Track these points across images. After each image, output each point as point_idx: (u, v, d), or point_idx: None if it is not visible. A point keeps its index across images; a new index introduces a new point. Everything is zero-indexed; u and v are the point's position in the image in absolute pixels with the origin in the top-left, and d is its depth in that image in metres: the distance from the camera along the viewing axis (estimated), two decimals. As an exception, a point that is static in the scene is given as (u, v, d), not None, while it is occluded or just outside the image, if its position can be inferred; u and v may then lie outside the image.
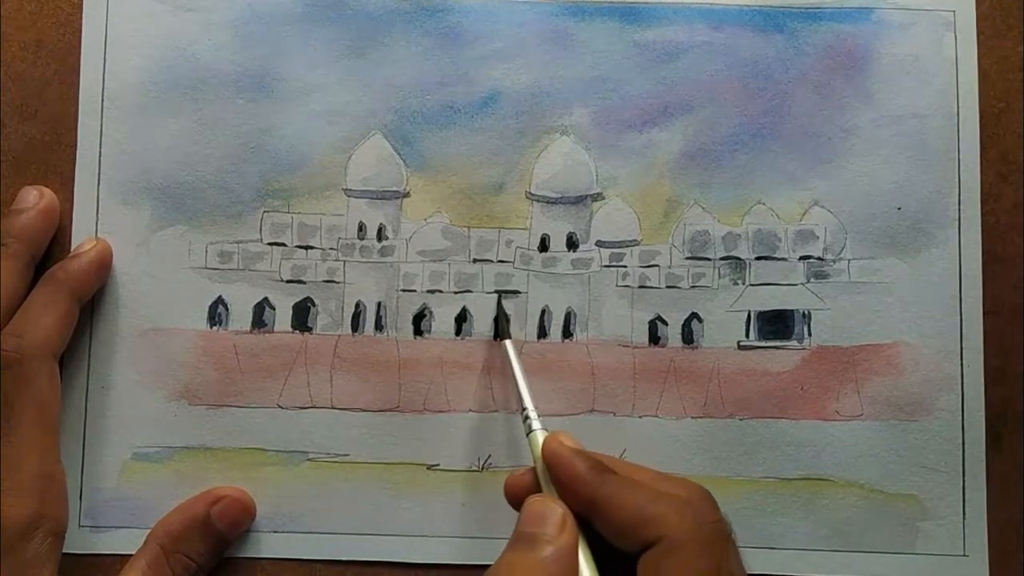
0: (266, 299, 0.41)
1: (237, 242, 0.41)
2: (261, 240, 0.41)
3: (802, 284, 0.41)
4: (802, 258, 0.41)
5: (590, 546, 0.33)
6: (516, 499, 0.35)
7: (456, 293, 0.41)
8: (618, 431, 0.40)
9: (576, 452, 0.34)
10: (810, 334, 0.41)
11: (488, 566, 0.39)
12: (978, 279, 0.40)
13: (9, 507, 0.35)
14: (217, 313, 0.40)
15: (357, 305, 0.41)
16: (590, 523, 0.33)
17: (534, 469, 0.35)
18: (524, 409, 0.36)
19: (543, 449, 0.35)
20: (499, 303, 0.41)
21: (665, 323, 0.41)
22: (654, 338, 0.41)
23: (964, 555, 0.40)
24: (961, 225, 0.41)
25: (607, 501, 0.33)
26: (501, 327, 0.40)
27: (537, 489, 0.35)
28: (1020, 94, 0.41)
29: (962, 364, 0.40)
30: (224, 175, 0.41)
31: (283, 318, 0.41)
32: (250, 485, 0.40)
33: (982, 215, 0.41)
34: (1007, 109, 0.41)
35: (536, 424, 0.36)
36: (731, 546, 0.32)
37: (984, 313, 0.40)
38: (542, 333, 0.41)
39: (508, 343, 0.39)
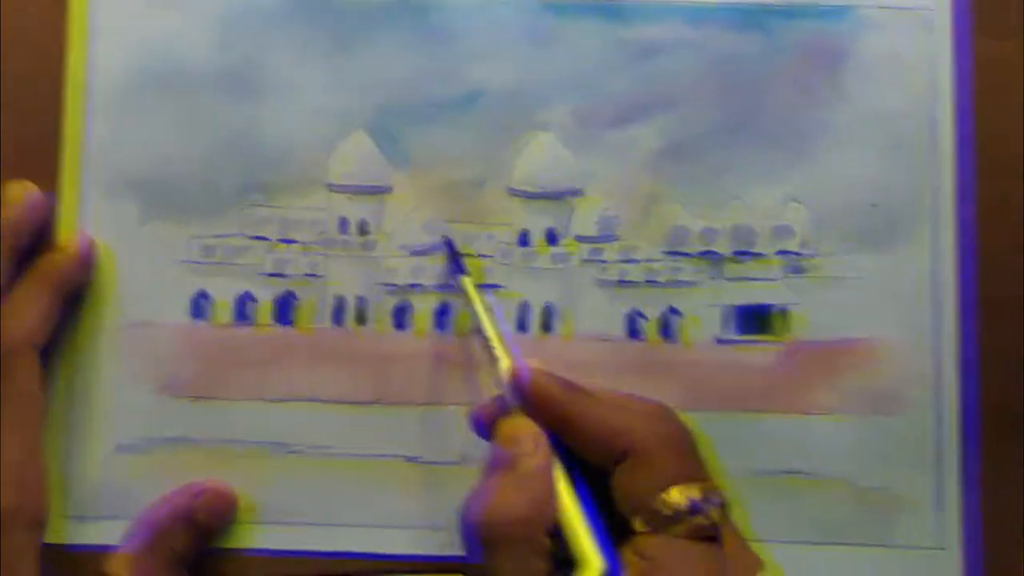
0: (248, 293, 0.41)
1: (219, 236, 0.41)
2: (243, 234, 0.41)
3: (779, 280, 0.41)
4: (779, 253, 0.41)
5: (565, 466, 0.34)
6: (484, 428, 0.36)
7: (438, 288, 0.41)
8: (597, 425, 0.40)
9: (544, 372, 0.35)
10: (787, 329, 0.41)
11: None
12: (952, 276, 0.41)
13: (-10, 499, 0.36)
14: (200, 306, 0.41)
15: (339, 299, 0.41)
16: (563, 441, 0.34)
17: (500, 397, 0.36)
18: (487, 340, 0.37)
19: (511, 373, 0.35)
20: (450, 242, 0.41)
21: (644, 317, 0.41)
22: (632, 333, 0.41)
23: (941, 548, 0.40)
24: (935, 222, 0.41)
25: (577, 416, 0.34)
26: (460, 262, 0.40)
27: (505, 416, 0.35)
28: (999, 93, 0.41)
29: (936, 359, 0.40)
30: (208, 170, 0.41)
31: (265, 312, 0.41)
32: (232, 478, 0.40)
33: (956, 212, 0.41)
34: (985, 108, 0.41)
35: (499, 353, 0.37)
36: (696, 453, 0.34)
37: (958, 309, 0.41)
38: (521, 327, 0.41)
39: (467, 279, 0.39)
